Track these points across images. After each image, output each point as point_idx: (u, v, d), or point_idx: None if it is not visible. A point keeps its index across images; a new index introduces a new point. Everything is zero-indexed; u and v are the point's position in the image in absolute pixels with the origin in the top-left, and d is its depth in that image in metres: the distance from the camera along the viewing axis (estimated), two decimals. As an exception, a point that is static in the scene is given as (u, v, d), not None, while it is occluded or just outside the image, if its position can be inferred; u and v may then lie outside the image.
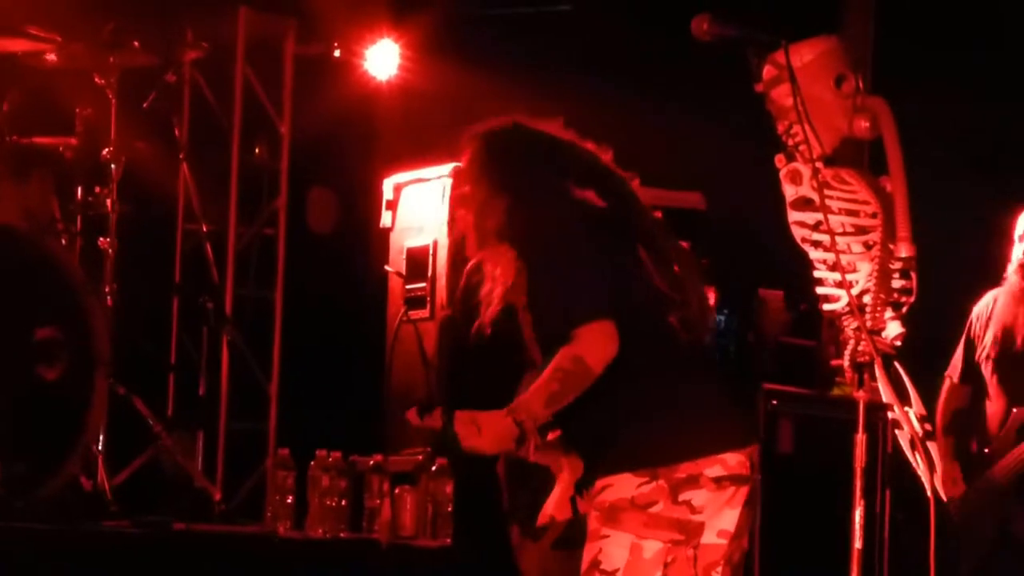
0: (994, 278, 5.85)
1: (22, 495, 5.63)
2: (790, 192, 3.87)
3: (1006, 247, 5.72)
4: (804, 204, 3.86)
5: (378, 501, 6.05)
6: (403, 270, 6.87)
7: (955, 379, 5.81)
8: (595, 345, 3.69)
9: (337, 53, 7.79)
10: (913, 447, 3.94)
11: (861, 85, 3.84)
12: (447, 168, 6.71)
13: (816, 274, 3.88)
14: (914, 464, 3.93)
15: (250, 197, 7.55)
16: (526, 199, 3.87)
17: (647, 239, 3.87)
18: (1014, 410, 5.56)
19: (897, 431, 3.95)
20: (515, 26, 7.89)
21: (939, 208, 5.67)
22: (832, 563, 4.20)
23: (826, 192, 3.80)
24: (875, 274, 3.81)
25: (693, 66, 5.43)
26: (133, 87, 6.78)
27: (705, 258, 4.64)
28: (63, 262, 6.06)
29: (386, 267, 6.97)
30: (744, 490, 3.77)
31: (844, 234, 3.83)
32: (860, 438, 3.78)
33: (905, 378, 3.94)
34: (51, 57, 6.41)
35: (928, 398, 5.69)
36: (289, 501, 6.01)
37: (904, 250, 3.81)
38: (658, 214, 4.02)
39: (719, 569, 3.78)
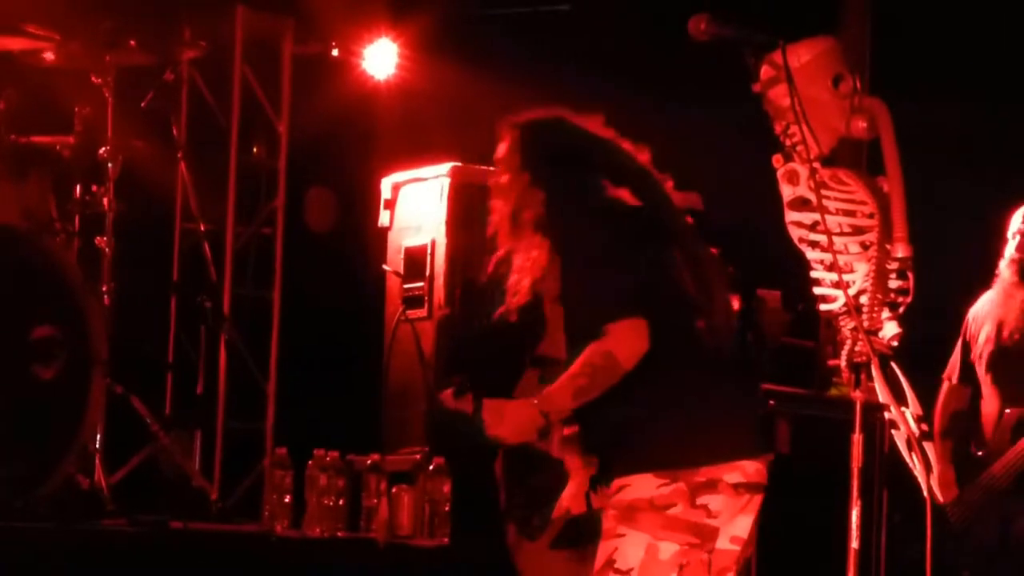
0: (991, 278, 5.85)
1: (19, 495, 5.63)
2: (787, 192, 3.88)
3: (1001, 246, 5.72)
4: (801, 204, 3.86)
5: (375, 500, 6.05)
6: (401, 269, 6.86)
7: (954, 380, 5.80)
8: (626, 341, 3.70)
9: (335, 52, 7.79)
10: (910, 447, 3.94)
11: (859, 85, 3.84)
12: (445, 167, 6.71)
13: (813, 274, 3.88)
14: (910, 464, 3.94)
15: (248, 196, 7.55)
16: (565, 193, 3.88)
17: (679, 241, 3.87)
18: (1007, 411, 5.55)
19: (894, 431, 3.95)
20: (513, 25, 7.89)
21: (936, 208, 5.67)
22: (829, 563, 4.20)
23: (823, 192, 3.81)
24: (872, 274, 3.81)
25: (690, 65, 5.42)
26: (131, 86, 6.78)
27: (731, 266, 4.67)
28: (61, 261, 6.05)
29: (384, 266, 6.97)
30: (758, 499, 3.80)
31: (841, 234, 3.84)
32: (857, 438, 3.78)
33: (902, 378, 3.95)
34: (49, 56, 6.41)
35: (925, 398, 5.69)
36: (287, 500, 6.01)
37: (901, 250, 3.81)
38: (689, 219, 4.03)
39: (730, 575, 3.79)
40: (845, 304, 3.79)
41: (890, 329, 3.84)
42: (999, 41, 7.39)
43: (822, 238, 3.82)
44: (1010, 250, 5.62)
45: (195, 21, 7.23)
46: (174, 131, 7.29)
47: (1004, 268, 5.64)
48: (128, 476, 6.51)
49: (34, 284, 5.91)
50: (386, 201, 7.00)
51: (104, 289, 6.39)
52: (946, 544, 5.42)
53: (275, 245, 7.57)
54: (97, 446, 6.15)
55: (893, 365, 3.89)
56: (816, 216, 3.81)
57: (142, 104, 7.04)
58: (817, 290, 3.88)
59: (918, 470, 3.94)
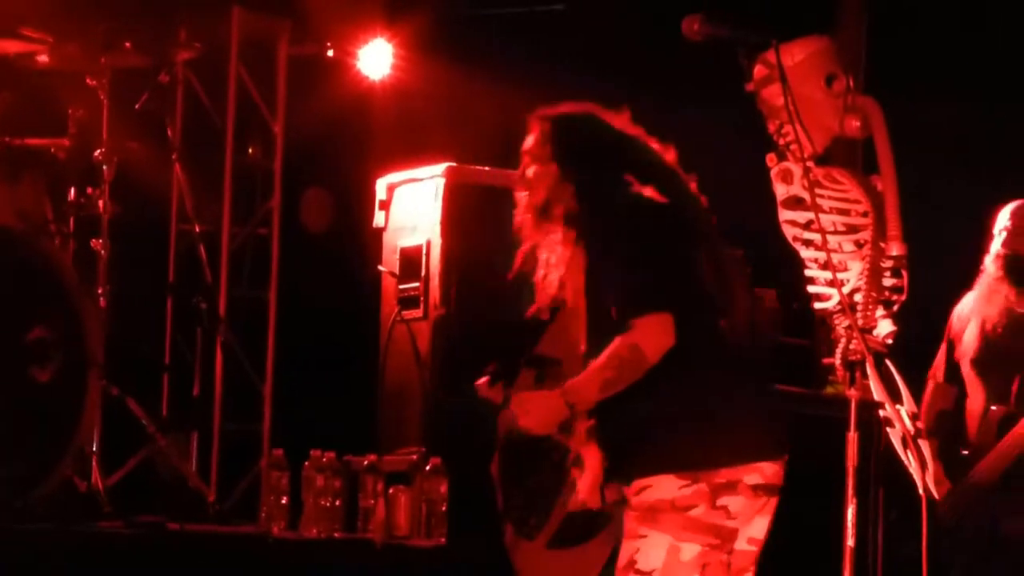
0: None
1: (17, 495, 5.63)
2: (781, 191, 3.88)
3: (988, 243, 5.72)
4: (795, 203, 3.87)
5: (372, 501, 6.05)
6: (396, 270, 6.86)
7: (939, 379, 5.81)
8: (652, 335, 3.71)
9: (330, 53, 7.79)
10: (905, 445, 3.94)
11: (852, 84, 3.85)
12: (440, 168, 6.72)
13: (807, 273, 3.89)
14: (906, 462, 3.94)
15: (244, 197, 7.55)
16: (594, 187, 3.89)
17: (703, 240, 3.88)
18: (992, 408, 5.56)
19: (889, 429, 3.95)
20: (508, 25, 7.89)
21: (930, 207, 5.68)
22: (825, 562, 4.21)
23: (817, 191, 3.81)
24: (866, 272, 3.82)
25: (684, 65, 5.43)
26: (126, 88, 6.79)
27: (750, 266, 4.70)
28: (56, 263, 6.06)
29: (379, 267, 6.97)
30: (774, 501, 3.82)
31: (835, 233, 3.84)
32: (852, 436, 3.79)
33: (897, 376, 3.95)
34: (43, 58, 6.41)
35: (919, 396, 5.70)
36: (283, 501, 6.02)
37: (895, 248, 3.82)
38: (713, 219, 4.04)
39: (748, 575, 3.81)
40: (839, 302, 3.80)
41: (884, 327, 3.84)
42: (994, 40, 7.40)
43: (816, 237, 3.82)
44: (996, 246, 5.63)
45: (190, 22, 7.22)
46: (169, 132, 7.29)
47: (989, 263, 5.64)
48: (125, 478, 6.51)
49: (30, 286, 5.91)
50: (381, 202, 7.00)
51: (100, 291, 6.40)
52: (941, 542, 5.42)
53: (271, 246, 7.57)
54: (94, 448, 6.16)
55: (888, 363, 3.89)
56: (810, 215, 3.81)
57: (137, 106, 7.04)
58: (811, 288, 3.88)
59: (914, 468, 3.94)
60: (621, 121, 4.00)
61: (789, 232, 3.89)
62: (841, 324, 3.81)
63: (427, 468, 6.15)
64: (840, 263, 3.83)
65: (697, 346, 3.77)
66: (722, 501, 3.74)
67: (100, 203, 6.44)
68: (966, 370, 5.68)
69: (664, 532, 3.73)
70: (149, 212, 7.28)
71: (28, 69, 6.47)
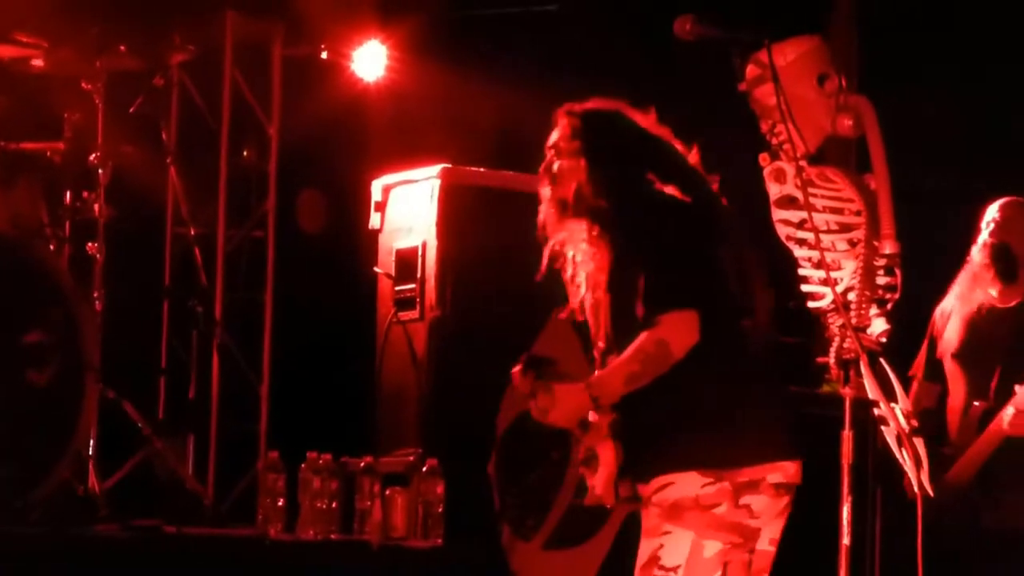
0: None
1: (15, 498, 5.64)
2: (774, 190, 3.89)
3: (975, 237, 5.74)
4: (788, 202, 3.87)
5: (369, 502, 6.06)
6: (392, 272, 6.86)
7: (920, 376, 5.82)
8: (678, 331, 3.72)
9: (324, 55, 7.79)
10: (899, 443, 3.95)
11: (844, 84, 3.85)
12: (435, 169, 6.72)
13: (801, 272, 3.90)
14: (900, 460, 3.95)
15: (239, 200, 7.55)
16: (621, 184, 3.89)
17: (726, 240, 3.89)
18: (974, 403, 5.57)
19: (883, 427, 3.96)
20: (502, 26, 7.89)
21: (923, 205, 5.69)
22: (822, 560, 4.21)
23: (810, 190, 3.82)
24: (860, 271, 3.83)
25: (679, 64, 5.43)
26: (121, 91, 6.79)
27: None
28: (52, 267, 6.06)
29: (375, 269, 6.97)
30: (790, 500, 3.82)
31: (828, 232, 3.85)
32: (847, 435, 3.80)
33: (891, 374, 3.96)
34: (38, 62, 6.41)
35: (914, 395, 5.70)
36: (280, 504, 6.02)
37: (889, 247, 3.83)
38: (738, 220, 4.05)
39: None
40: (833, 301, 3.80)
41: (878, 325, 3.85)
42: (987, 39, 7.41)
43: (809, 236, 3.83)
44: (983, 236, 5.65)
45: (184, 25, 7.22)
46: (164, 136, 7.30)
47: (976, 252, 5.66)
48: (122, 481, 6.51)
49: (26, 290, 5.91)
50: (377, 203, 7.00)
51: (96, 295, 6.40)
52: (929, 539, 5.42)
53: (266, 248, 7.58)
54: (90, 451, 6.16)
55: (882, 361, 3.89)
56: (803, 214, 3.82)
57: (132, 109, 7.04)
58: (805, 287, 3.89)
59: (908, 465, 3.95)
60: (648, 121, 4.01)
61: (782, 231, 3.89)
62: (835, 323, 3.82)
63: (424, 469, 6.15)
64: (834, 262, 3.84)
65: (721, 344, 3.78)
66: (745, 500, 3.75)
67: (96, 207, 6.44)
68: (948, 364, 5.69)
69: (688, 529, 3.73)
70: (144, 215, 7.28)
71: (23, 73, 6.47)
